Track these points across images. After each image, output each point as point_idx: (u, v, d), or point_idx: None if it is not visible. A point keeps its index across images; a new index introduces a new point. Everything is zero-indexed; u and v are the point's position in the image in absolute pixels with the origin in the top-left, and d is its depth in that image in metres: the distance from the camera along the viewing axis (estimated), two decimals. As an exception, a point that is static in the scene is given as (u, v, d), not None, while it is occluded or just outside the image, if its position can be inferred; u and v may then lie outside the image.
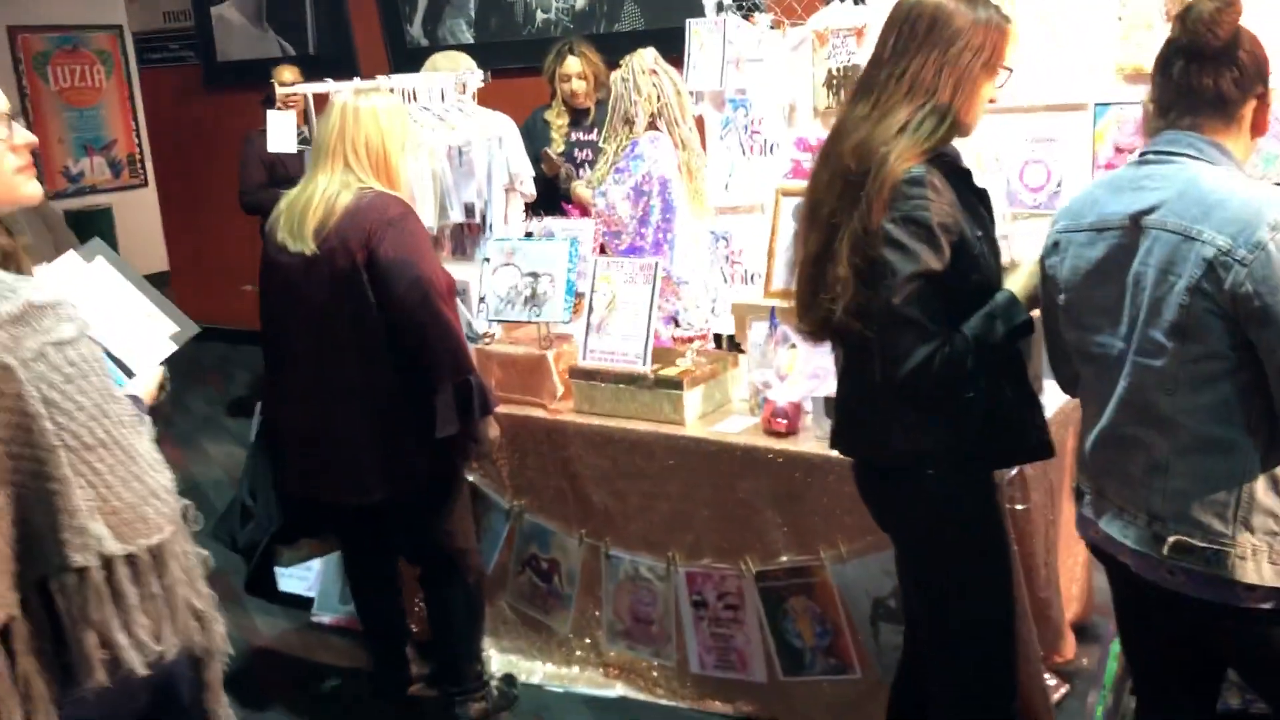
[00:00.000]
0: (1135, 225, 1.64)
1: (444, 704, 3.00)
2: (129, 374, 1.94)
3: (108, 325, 1.88)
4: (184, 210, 7.64)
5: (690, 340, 3.01)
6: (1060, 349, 1.86)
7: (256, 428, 3.20)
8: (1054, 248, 1.80)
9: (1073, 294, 1.76)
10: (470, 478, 3.18)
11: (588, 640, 3.20)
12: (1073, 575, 3.07)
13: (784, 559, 2.80)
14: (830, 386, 2.77)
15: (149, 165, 8.42)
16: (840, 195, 1.85)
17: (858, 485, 2.11)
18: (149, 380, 1.96)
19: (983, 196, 1.92)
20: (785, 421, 2.77)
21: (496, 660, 3.28)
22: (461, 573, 2.92)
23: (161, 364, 2.03)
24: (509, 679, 3.17)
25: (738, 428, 2.89)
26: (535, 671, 3.25)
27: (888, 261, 1.76)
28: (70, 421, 1.34)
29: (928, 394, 1.80)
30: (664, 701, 3.07)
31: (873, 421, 1.96)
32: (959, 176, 1.87)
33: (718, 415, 3.01)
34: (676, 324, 3.26)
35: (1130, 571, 1.70)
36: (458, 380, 2.68)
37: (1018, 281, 1.88)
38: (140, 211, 8.46)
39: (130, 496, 1.39)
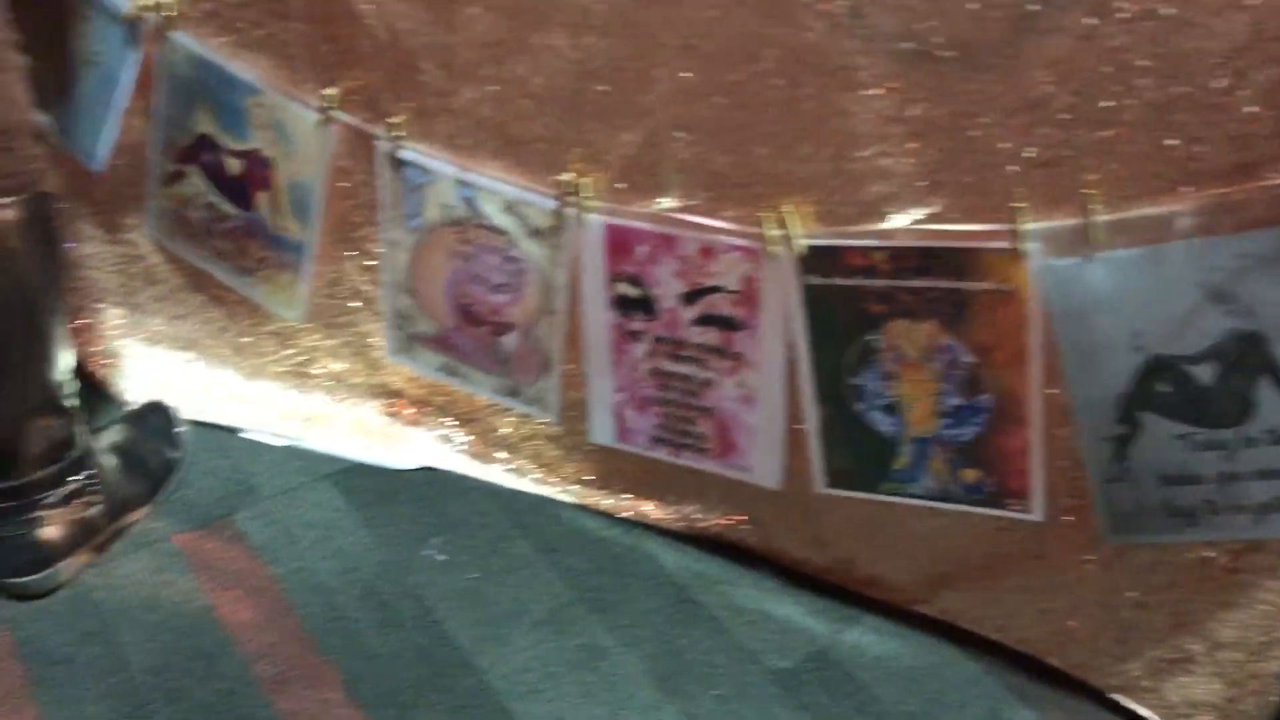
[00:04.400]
0: None
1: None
2: None
3: None
4: None
5: None
6: None
7: None
8: None
9: None
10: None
11: (349, 340, 1.41)
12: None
13: (891, 218, 1.03)
14: None
15: None
16: None
17: None
18: None
19: None
20: None
21: (134, 366, 1.46)
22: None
23: None
24: (158, 415, 1.38)
25: None
26: (219, 394, 1.45)
27: None
28: None
29: None
30: (523, 486, 1.38)
31: None
32: None
33: None
34: None
35: None
36: None
37: None
38: None
39: None
